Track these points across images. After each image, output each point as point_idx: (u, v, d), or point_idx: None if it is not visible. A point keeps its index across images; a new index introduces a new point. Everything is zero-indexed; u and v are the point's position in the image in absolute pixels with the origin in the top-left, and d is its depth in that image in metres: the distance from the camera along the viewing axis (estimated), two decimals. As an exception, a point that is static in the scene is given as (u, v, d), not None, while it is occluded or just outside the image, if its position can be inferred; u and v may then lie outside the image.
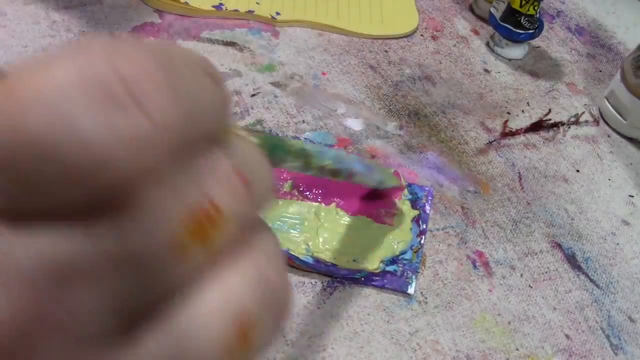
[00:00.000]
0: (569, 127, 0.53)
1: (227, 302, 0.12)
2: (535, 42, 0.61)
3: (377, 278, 0.39)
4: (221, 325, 0.12)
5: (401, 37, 0.59)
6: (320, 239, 0.38)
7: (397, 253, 0.39)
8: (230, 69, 0.52)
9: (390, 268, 0.39)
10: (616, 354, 0.38)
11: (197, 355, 0.12)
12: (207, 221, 0.12)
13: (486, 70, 0.57)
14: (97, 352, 0.11)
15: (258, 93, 0.50)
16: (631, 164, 0.51)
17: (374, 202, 0.41)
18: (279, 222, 0.39)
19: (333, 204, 0.40)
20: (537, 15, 0.56)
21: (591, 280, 0.42)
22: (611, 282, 0.42)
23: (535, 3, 0.55)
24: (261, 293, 0.13)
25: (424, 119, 0.51)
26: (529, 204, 0.46)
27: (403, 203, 0.41)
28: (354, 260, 0.38)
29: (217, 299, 0.12)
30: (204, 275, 0.12)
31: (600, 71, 0.60)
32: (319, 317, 0.37)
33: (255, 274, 0.13)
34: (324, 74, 0.53)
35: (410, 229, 0.40)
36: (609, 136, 0.53)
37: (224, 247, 0.12)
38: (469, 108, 0.53)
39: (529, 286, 0.41)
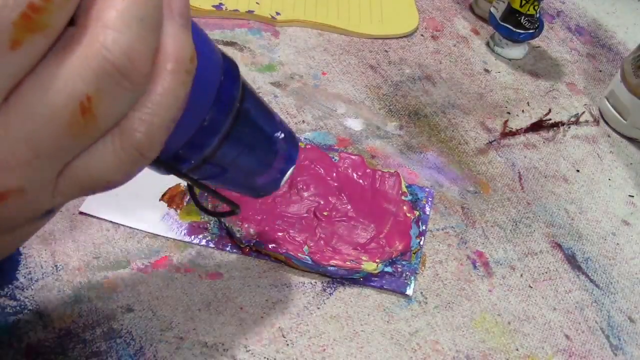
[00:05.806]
0: (569, 127, 0.53)
1: (69, 81, 0.15)
2: (535, 42, 0.61)
3: (376, 279, 0.39)
4: (64, 100, 0.15)
5: (401, 37, 0.59)
6: None
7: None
8: (230, 69, 0.52)
9: (388, 269, 0.39)
10: (616, 355, 0.38)
11: (48, 123, 0.15)
12: (32, 12, 0.13)
13: (486, 70, 0.57)
14: None
15: (258, 93, 0.50)
16: (631, 164, 0.51)
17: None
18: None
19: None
20: (537, 15, 0.56)
21: (591, 281, 0.42)
22: (611, 283, 0.42)
23: (535, 3, 0.55)
24: (101, 70, 0.15)
25: (424, 119, 0.51)
26: (529, 204, 0.46)
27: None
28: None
29: (61, 78, 0.15)
30: (48, 60, 0.15)
31: (600, 71, 0.60)
32: (318, 318, 0.37)
33: (95, 53, 0.15)
34: (324, 73, 0.53)
35: None
36: (609, 136, 0.53)
37: (62, 24, 0.14)
38: (469, 108, 0.53)
39: (529, 286, 0.41)
